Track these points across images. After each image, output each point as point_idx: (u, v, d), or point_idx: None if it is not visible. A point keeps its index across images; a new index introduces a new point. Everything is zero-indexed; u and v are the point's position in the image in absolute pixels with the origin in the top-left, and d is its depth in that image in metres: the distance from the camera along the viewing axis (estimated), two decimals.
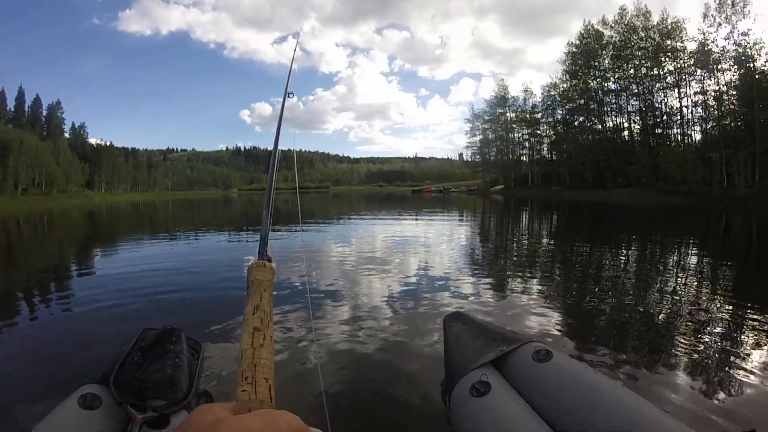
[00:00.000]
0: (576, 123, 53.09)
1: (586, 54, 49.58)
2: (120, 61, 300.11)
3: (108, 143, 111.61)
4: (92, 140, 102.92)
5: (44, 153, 69.76)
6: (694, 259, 6.60)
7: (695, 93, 41.05)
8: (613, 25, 47.56)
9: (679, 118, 43.10)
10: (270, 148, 0.98)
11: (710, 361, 2.58)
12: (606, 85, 49.44)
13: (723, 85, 37.77)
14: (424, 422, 1.91)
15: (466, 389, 1.36)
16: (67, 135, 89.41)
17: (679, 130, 43.31)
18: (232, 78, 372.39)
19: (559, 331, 3.09)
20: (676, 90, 43.01)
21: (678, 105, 43.10)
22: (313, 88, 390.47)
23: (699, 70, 39.92)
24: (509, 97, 63.97)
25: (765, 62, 33.53)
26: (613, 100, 49.19)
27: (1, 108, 74.65)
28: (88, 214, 25.42)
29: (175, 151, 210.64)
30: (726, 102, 37.18)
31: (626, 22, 46.14)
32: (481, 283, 4.55)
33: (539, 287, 4.40)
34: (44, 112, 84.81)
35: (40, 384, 2.40)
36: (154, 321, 3.01)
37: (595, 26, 49.40)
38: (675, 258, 6.75)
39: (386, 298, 3.87)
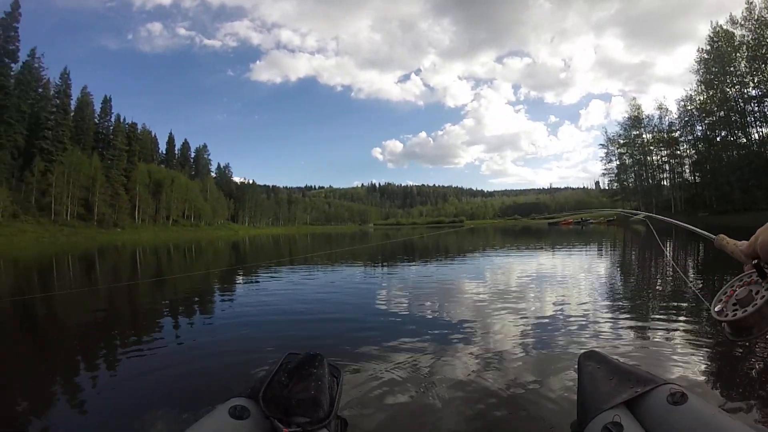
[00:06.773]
0: (718, 138, 47.26)
1: (719, 59, 44.21)
2: (253, 107, 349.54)
3: (251, 181, 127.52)
4: (236, 179, 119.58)
5: (193, 190, 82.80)
6: None
7: None
8: (743, 22, 41.96)
9: None
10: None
11: None
12: (746, 91, 43.34)
13: None
14: None
15: (598, 430, 1.35)
16: (213, 174, 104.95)
17: None
18: (361, 117, 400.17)
19: (701, 373, 2.78)
20: None
21: None
22: (441, 123, 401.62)
23: None
24: (643, 117, 59.61)
25: None
26: (756, 108, 42.82)
27: (154, 151, 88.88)
28: (233, 245, 28.32)
29: (313, 189, 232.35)
30: None
31: (756, 17, 40.39)
32: (619, 321, 4.23)
33: (683, 326, 3.97)
34: (192, 155, 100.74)
35: (190, 395, 2.55)
36: (296, 345, 3.37)
37: (724, 26, 44.19)
38: None
39: (518, 336, 3.72)
